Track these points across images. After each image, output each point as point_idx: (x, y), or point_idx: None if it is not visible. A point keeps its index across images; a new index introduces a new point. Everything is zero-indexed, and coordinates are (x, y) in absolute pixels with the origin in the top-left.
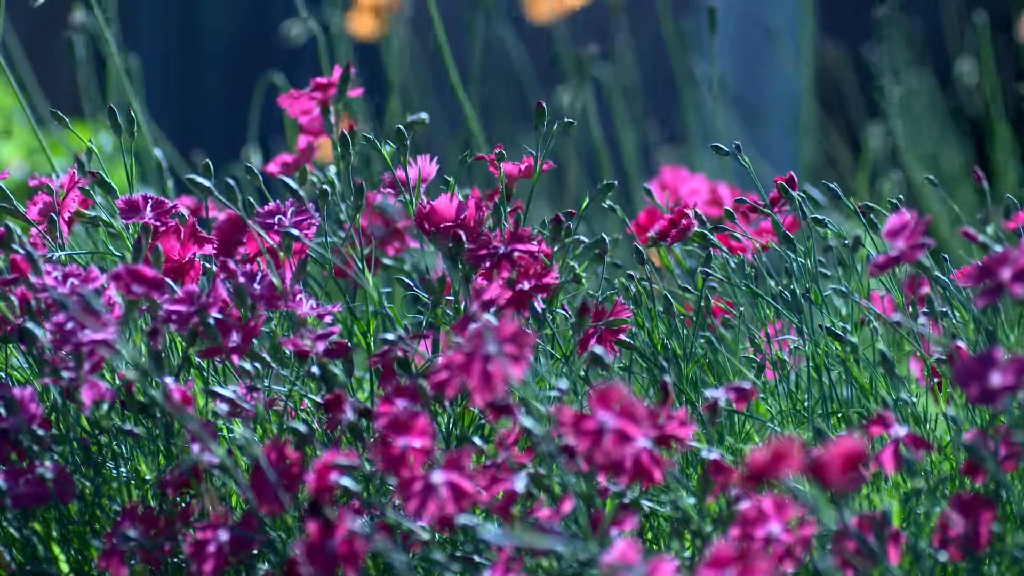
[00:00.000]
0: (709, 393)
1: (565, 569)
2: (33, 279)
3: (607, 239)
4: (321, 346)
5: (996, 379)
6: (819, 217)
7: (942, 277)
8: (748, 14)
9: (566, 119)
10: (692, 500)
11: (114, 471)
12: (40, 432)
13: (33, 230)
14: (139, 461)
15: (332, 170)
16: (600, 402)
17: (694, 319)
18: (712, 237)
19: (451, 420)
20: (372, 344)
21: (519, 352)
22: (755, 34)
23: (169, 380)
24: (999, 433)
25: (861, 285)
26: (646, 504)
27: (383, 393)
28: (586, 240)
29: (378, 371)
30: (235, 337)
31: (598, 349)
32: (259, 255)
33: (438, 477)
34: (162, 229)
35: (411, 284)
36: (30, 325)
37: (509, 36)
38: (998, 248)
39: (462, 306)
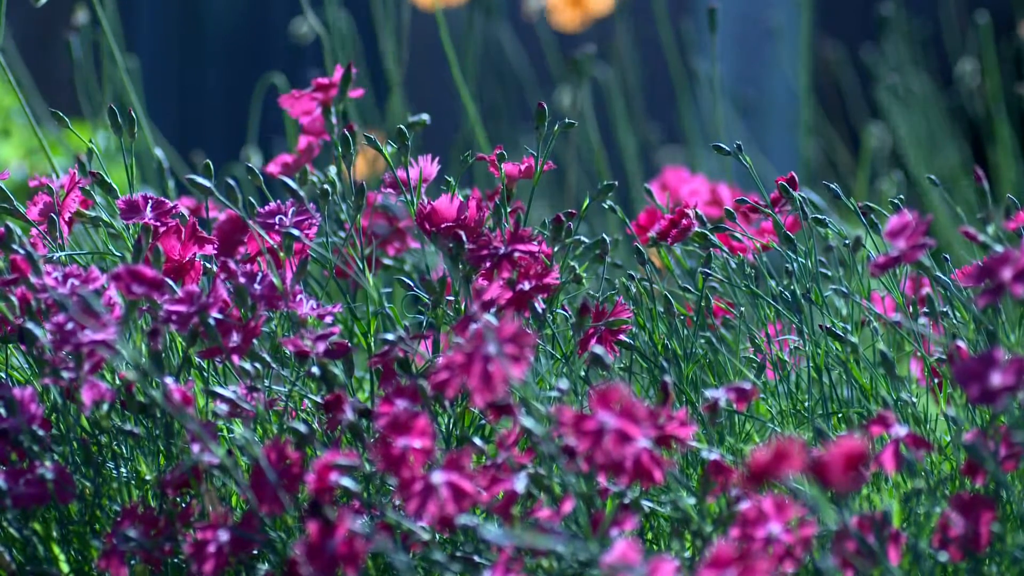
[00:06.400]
0: (709, 393)
1: (565, 569)
2: (33, 279)
3: (608, 239)
4: (321, 346)
5: (996, 379)
6: (820, 217)
7: (943, 277)
8: (748, 14)
9: (567, 120)
10: (692, 500)
11: (114, 471)
12: (40, 432)
13: (33, 230)
14: (139, 461)
15: (332, 170)
16: (600, 402)
17: (694, 319)
18: (712, 237)
19: (451, 420)
20: (372, 344)
21: (519, 352)
22: (755, 34)
23: (169, 380)
24: (999, 433)
25: (862, 285)
26: (646, 504)
27: (383, 393)
28: (587, 240)
29: (378, 371)
30: (235, 337)
31: (598, 349)
32: (259, 255)
33: (438, 477)
34: (162, 229)
35: (411, 284)
36: (30, 325)
37: (509, 36)
38: (999, 248)
39: (462, 306)
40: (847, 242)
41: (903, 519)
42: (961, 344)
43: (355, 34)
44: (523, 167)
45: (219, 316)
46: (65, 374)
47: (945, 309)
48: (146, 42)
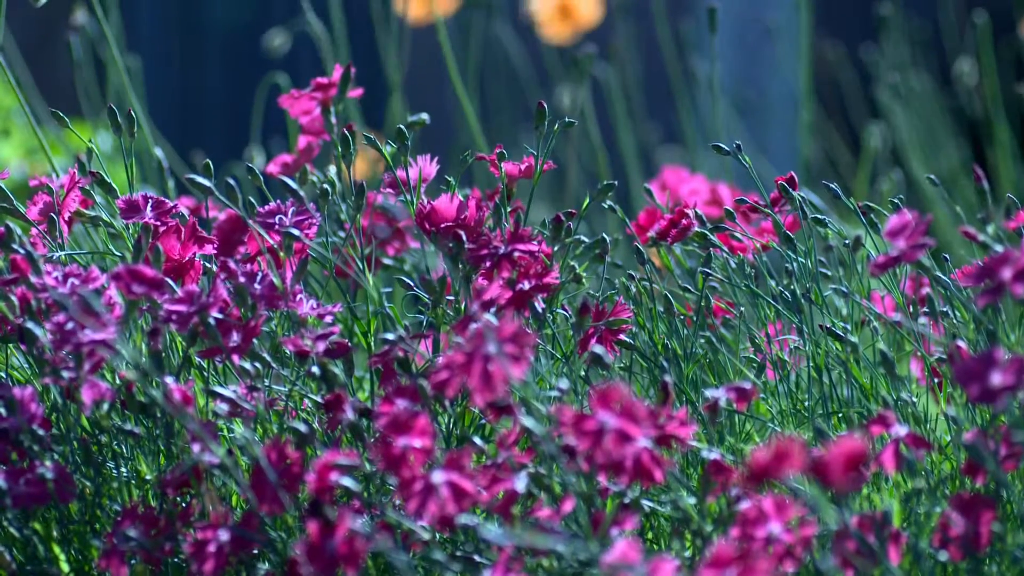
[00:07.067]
0: (709, 393)
1: (565, 569)
2: (33, 279)
3: (607, 239)
4: (321, 346)
5: (996, 379)
6: (820, 217)
7: (943, 277)
8: (747, 14)
9: (567, 119)
10: (692, 500)
11: (114, 471)
12: (40, 432)
13: (33, 230)
14: (139, 461)
15: (332, 170)
16: (601, 402)
17: (694, 319)
18: (712, 237)
19: (451, 420)
20: (372, 344)
21: (519, 352)
22: (754, 34)
23: (169, 380)
24: (999, 433)
25: (861, 285)
26: (646, 504)
27: (383, 393)
28: (586, 240)
29: (378, 371)
30: (235, 337)
31: (598, 349)
32: (259, 255)
33: (438, 477)
34: (162, 229)
35: (411, 284)
36: (30, 325)
37: (509, 36)
38: (999, 248)
39: (462, 306)
40: (847, 242)
41: (903, 519)
42: (961, 344)
43: (355, 36)
44: (523, 167)
45: (219, 316)
46: (65, 374)
47: (945, 309)
48: (146, 42)
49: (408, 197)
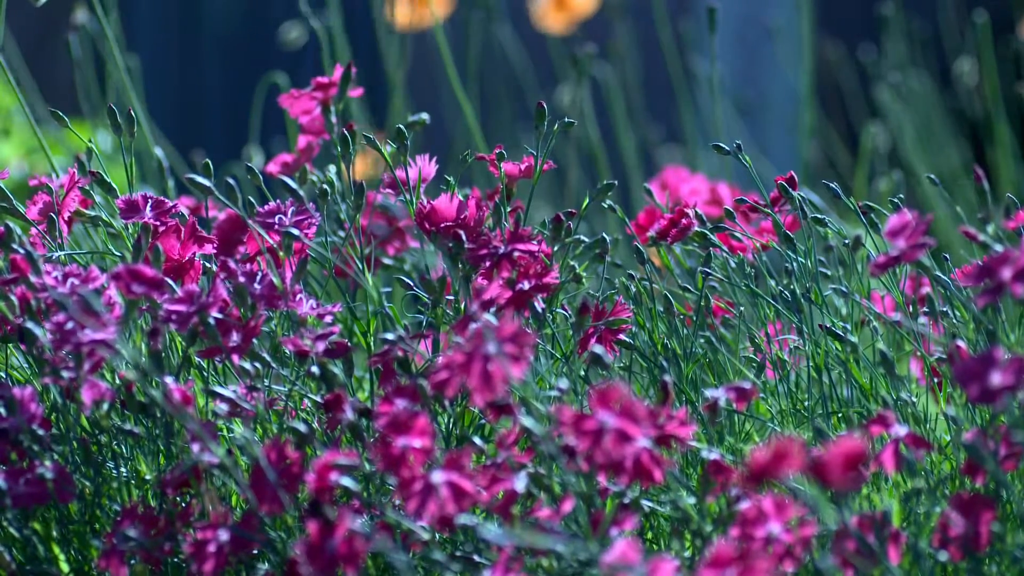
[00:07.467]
0: (709, 393)
1: (565, 569)
2: (33, 279)
3: (607, 239)
4: (321, 346)
5: (996, 379)
6: (819, 217)
7: (943, 276)
8: (748, 14)
9: (566, 119)
10: (692, 500)
11: (114, 471)
12: (40, 432)
13: (33, 230)
14: (139, 461)
15: (332, 170)
16: (600, 402)
17: (694, 319)
18: (712, 237)
19: (451, 420)
20: (372, 344)
21: (519, 352)
22: (755, 34)
23: (169, 380)
24: (999, 433)
25: (861, 285)
26: (646, 504)
27: (383, 393)
28: (586, 240)
29: (378, 371)
30: (235, 337)
31: (598, 349)
32: (259, 255)
33: (438, 477)
34: (162, 229)
35: (411, 284)
36: (30, 325)
37: (509, 35)
38: (998, 247)
39: (462, 306)
40: (847, 241)
41: (903, 519)
42: (961, 344)
43: (355, 35)
44: (523, 166)
45: (219, 315)
46: (65, 374)
47: (945, 309)
48: (146, 41)
49: (408, 197)
